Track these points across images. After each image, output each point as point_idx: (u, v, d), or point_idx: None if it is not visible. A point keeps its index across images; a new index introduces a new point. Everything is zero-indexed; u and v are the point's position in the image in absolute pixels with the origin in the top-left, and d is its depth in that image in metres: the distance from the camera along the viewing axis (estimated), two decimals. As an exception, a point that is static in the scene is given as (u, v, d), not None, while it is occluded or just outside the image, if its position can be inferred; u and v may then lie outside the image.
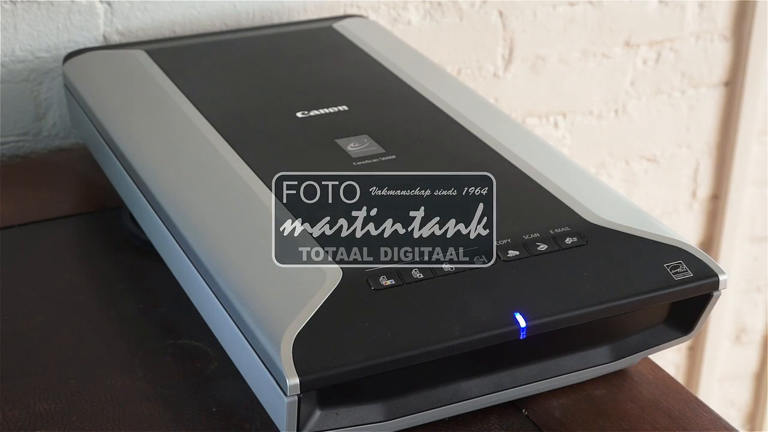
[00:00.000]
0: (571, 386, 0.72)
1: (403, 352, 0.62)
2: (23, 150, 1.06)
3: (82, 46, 1.04)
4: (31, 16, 1.02)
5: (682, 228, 1.49)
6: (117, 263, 0.87)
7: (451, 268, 0.66)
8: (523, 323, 0.64)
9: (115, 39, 1.06)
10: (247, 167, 0.77)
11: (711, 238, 1.53)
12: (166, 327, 0.79)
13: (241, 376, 0.68)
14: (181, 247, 0.73)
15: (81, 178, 1.00)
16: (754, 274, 1.59)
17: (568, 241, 0.69)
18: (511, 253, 0.68)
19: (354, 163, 0.77)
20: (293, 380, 0.60)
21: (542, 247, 0.68)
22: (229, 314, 0.67)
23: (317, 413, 0.63)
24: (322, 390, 0.62)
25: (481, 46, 1.24)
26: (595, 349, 0.71)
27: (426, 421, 0.68)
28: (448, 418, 0.69)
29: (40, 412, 0.70)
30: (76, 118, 0.96)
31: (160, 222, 0.77)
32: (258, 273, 0.67)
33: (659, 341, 0.72)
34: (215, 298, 0.69)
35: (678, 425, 0.69)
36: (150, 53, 0.96)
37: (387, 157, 0.78)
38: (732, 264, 1.54)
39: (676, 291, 0.68)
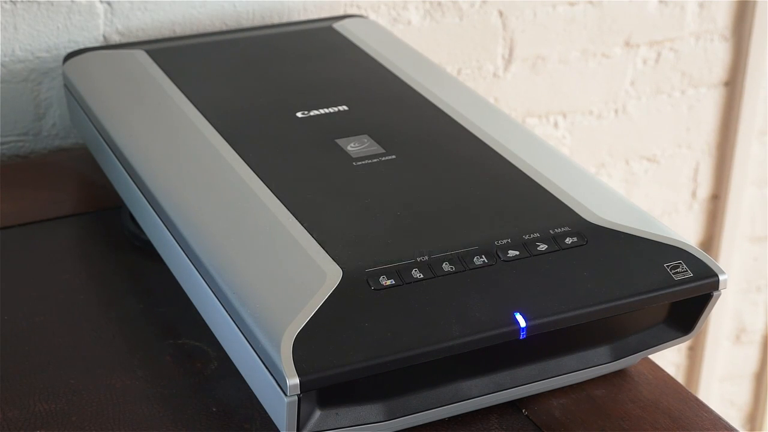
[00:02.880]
0: (571, 386, 0.72)
1: (403, 352, 0.62)
2: (23, 150, 1.06)
3: (82, 46, 1.04)
4: (31, 16, 1.02)
5: (682, 228, 1.49)
6: (117, 263, 0.87)
7: (451, 268, 0.66)
8: (523, 323, 0.64)
9: (115, 39, 1.06)
10: (247, 167, 0.77)
11: (711, 238, 1.53)
12: (166, 327, 0.79)
13: (241, 376, 0.68)
14: (181, 247, 0.73)
15: (81, 178, 1.00)
16: (754, 274, 1.59)
17: (568, 241, 0.69)
18: (511, 253, 0.68)
19: (354, 163, 0.77)
20: (293, 380, 0.60)
21: (542, 247, 0.68)
22: (229, 314, 0.67)
23: (317, 413, 0.63)
24: (322, 390, 0.62)
25: (481, 46, 1.24)
26: (595, 349, 0.71)
27: (426, 421, 0.68)
28: (448, 418, 0.69)
29: (40, 412, 0.70)
30: (76, 118, 0.96)
31: (160, 222, 0.77)
32: (258, 273, 0.67)
33: (659, 341, 0.72)
34: (215, 298, 0.69)
35: (678, 425, 0.69)
36: (150, 53, 0.96)
37: (387, 157, 0.78)
38: (732, 264, 1.54)
39: (676, 291, 0.68)
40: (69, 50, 1.03)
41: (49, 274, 0.85)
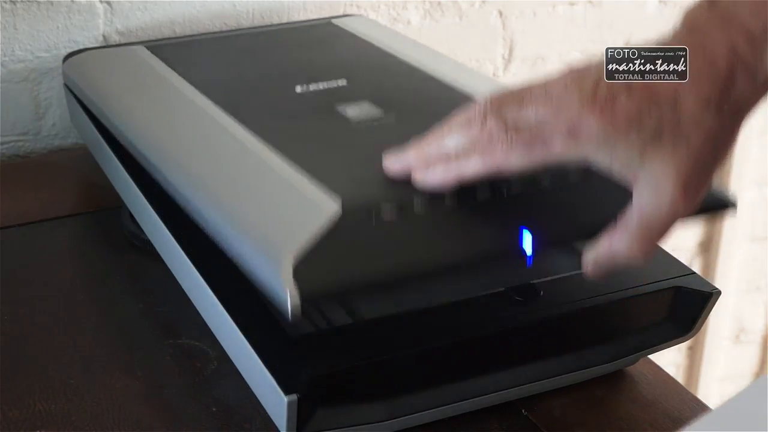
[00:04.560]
0: (571, 386, 0.72)
1: (404, 273, 0.60)
2: (23, 150, 1.06)
3: (81, 46, 1.04)
4: (31, 16, 1.02)
5: (681, 228, 1.49)
6: (117, 263, 0.87)
7: (455, 203, 0.65)
8: (529, 240, 0.62)
9: (115, 38, 1.06)
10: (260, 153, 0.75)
11: (711, 238, 1.53)
12: (166, 327, 0.79)
13: (241, 376, 0.68)
14: (181, 247, 0.73)
15: (81, 178, 1.00)
16: (754, 274, 1.59)
17: None
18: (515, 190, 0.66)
19: (353, 124, 0.76)
20: (294, 301, 0.56)
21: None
22: (229, 314, 0.67)
23: (317, 413, 0.63)
24: (322, 390, 0.62)
25: (481, 46, 1.24)
26: (594, 349, 0.71)
27: (426, 421, 0.68)
28: (448, 418, 0.69)
29: (40, 412, 0.70)
30: (76, 117, 0.96)
31: (160, 222, 0.77)
32: (252, 211, 0.66)
33: (659, 341, 0.72)
34: (215, 297, 0.68)
35: (678, 425, 0.69)
36: (150, 52, 0.96)
37: (386, 120, 0.77)
38: (732, 264, 1.54)
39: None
40: (69, 50, 1.03)
41: (49, 274, 0.85)
